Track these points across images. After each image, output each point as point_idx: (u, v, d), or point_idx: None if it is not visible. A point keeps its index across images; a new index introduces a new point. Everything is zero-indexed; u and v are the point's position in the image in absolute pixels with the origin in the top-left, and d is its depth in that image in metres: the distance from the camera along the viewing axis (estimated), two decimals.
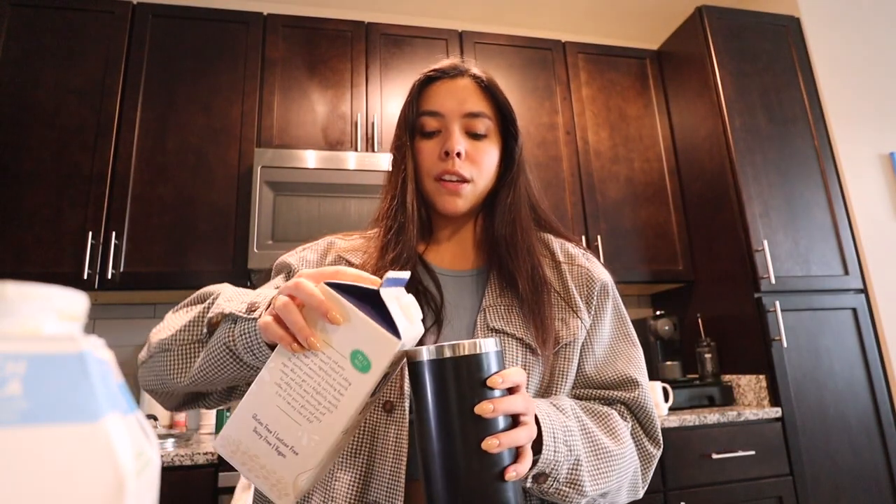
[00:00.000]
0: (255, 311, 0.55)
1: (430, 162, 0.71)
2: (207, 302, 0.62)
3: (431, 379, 0.45)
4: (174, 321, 0.64)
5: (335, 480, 0.61)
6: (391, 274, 0.46)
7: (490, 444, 0.43)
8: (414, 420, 0.47)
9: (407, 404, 0.62)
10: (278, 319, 0.46)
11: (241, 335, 0.54)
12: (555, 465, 0.56)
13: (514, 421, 0.47)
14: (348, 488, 0.60)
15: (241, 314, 0.55)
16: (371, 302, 0.45)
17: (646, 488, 0.69)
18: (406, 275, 0.49)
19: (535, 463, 0.55)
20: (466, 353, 0.45)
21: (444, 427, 0.44)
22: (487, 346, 0.46)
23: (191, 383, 0.60)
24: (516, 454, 0.46)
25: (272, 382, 0.45)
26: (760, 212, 2.09)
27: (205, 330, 0.60)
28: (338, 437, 0.44)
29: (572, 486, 0.58)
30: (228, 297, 0.60)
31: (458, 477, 0.43)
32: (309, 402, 0.44)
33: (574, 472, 0.58)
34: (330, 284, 0.45)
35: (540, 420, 0.55)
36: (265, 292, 0.58)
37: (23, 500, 0.16)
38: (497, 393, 0.46)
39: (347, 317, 0.44)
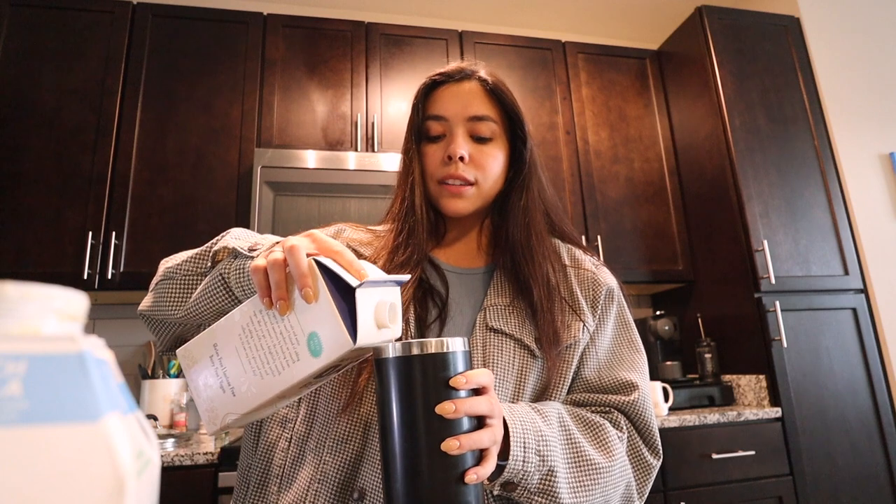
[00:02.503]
0: (255, 251, 0.57)
1: (434, 166, 0.71)
2: (217, 238, 0.65)
3: (396, 377, 0.44)
4: (184, 253, 0.66)
5: (324, 464, 0.61)
6: (375, 275, 0.46)
7: (450, 445, 0.43)
8: (377, 417, 0.47)
9: None
10: (266, 270, 0.48)
11: (235, 269, 0.57)
12: (523, 474, 0.55)
13: (480, 423, 0.46)
14: (337, 472, 0.60)
15: (242, 251, 0.58)
16: (351, 294, 0.45)
17: (643, 501, 0.67)
18: (403, 278, 0.49)
19: (502, 470, 0.54)
20: (432, 351, 0.44)
21: (407, 426, 0.44)
22: (455, 345, 0.45)
23: (184, 316, 0.62)
24: (480, 456, 0.46)
25: (239, 325, 0.49)
26: (760, 212, 2.09)
27: (209, 263, 0.62)
28: (272, 399, 0.47)
29: (545, 496, 0.57)
30: (237, 236, 0.64)
31: (418, 477, 0.43)
32: (260, 357, 0.47)
33: (547, 482, 0.57)
34: (320, 264, 0.46)
35: (510, 427, 0.54)
36: (272, 238, 0.60)
37: (23, 500, 0.16)
38: (462, 394, 0.45)
39: (318, 299, 0.45)
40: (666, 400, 1.94)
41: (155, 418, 1.92)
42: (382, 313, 0.46)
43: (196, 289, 0.62)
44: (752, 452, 1.81)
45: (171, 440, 1.73)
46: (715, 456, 1.78)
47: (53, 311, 0.19)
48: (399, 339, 0.48)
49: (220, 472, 1.50)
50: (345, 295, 0.45)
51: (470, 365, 0.47)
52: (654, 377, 2.21)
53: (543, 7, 2.79)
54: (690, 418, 1.80)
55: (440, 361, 0.44)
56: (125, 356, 2.11)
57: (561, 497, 0.57)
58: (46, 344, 0.18)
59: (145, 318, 0.68)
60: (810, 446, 1.88)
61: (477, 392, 0.47)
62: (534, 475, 0.56)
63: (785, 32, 2.38)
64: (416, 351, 0.44)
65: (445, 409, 0.43)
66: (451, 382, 0.44)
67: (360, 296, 0.44)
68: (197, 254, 0.64)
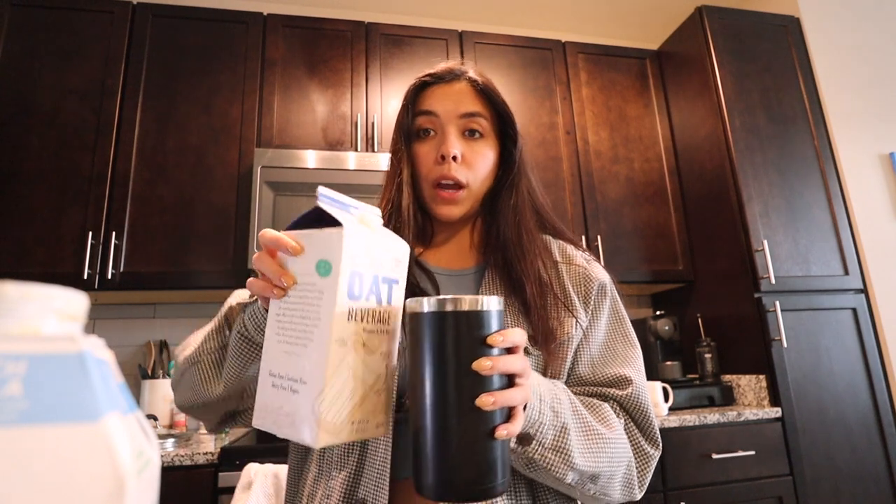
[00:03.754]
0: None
1: (427, 167, 0.71)
2: (221, 310, 0.65)
3: (430, 332, 0.44)
4: (197, 336, 0.66)
5: (331, 479, 0.62)
6: (325, 190, 0.46)
7: (485, 400, 0.43)
8: (408, 374, 0.47)
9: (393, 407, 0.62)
10: (260, 276, 0.49)
11: (249, 317, 0.57)
12: (539, 426, 0.56)
13: (510, 381, 0.47)
14: (342, 486, 0.61)
15: (247, 301, 0.59)
16: (325, 223, 0.46)
17: (643, 491, 0.67)
18: (347, 199, 0.48)
19: None
20: (468, 308, 0.44)
21: (440, 381, 0.44)
22: (490, 304, 0.46)
23: (225, 388, 0.62)
24: (508, 415, 0.46)
25: (273, 335, 0.48)
26: (760, 212, 2.09)
27: (227, 332, 0.62)
28: (333, 349, 0.43)
29: (559, 453, 0.57)
30: (238, 295, 0.64)
31: (449, 432, 0.43)
32: (299, 329, 0.46)
33: (561, 438, 0.57)
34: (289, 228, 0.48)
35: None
36: None
37: (23, 500, 0.16)
38: (495, 351, 0.45)
39: (302, 241, 0.46)
40: (666, 400, 1.94)
41: (155, 418, 1.92)
42: (357, 214, 0.47)
43: (225, 361, 0.62)
44: (752, 452, 1.81)
45: (171, 440, 1.73)
46: (715, 456, 1.78)
47: (53, 311, 0.19)
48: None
49: (220, 472, 1.50)
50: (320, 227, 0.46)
51: (503, 324, 0.47)
52: (654, 377, 2.21)
53: (543, 7, 2.79)
54: (690, 418, 1.80)
55: (476, 319, 0.45)
56: (125, 356, 2.11)
57: (573, 456, 0.58)
58: (46, 344, 0.18)
59: (188, 411, 0.67)
60: (810, 446, 1.88)
61: (508, 351, 0.47)
62: (549, 429, 0.57)
63: (785, 32, 2.38)
64: (450, 307, 0.44)
65: (483, 365, 0.43)
66: (489, 340, 0.45)
67: (323, 203, 0.45)
68: (212, 330, 0.64)
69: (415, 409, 0.45)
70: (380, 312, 0.47)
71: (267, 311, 0.53)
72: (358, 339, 0.45)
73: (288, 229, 0.48)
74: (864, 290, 2.11)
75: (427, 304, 0.45)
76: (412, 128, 0.73)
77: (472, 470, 0.43)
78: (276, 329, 0.47)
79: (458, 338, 0.44)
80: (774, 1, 2.55)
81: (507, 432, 0.44)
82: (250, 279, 0.50)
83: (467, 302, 0.45)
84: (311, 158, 1.98)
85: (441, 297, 0.45)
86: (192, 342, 0.66)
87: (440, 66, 0.75)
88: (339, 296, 0.43)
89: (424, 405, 0.44)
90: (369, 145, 2.14)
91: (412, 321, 0.46)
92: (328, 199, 0.46)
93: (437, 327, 0.44)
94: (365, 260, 0.45)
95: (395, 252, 0.48)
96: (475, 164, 0.70)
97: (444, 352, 0.44)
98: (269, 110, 2.10)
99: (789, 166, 2.19)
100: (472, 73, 0.73)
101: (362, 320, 0.45)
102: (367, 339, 0.46)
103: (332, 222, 0.45)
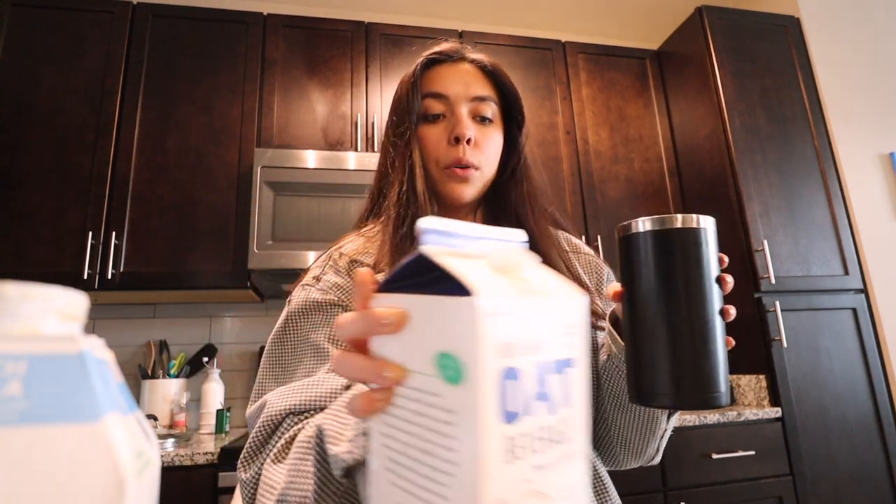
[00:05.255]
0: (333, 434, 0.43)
1: (439, 150, 0.67)
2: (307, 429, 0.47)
3: (690, 246, 0.46)
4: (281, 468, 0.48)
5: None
6: (428, 223, 0.27)
7: (730, 311, 0.47)
8: (633, 291, 0.47)
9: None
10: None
11: (334, 463, 0.42)
12: None
13: None
14: None
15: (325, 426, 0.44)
16: (436, 282, 0.26)
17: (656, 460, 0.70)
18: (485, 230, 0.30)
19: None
20: (705, 226, 0.47)
21: (682, 294, 0.46)
22: (711, 222, 0.48)
23: None
24: None
25: (381, 469, 0.29)
26: (760, 211, 2.09)
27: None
28: None
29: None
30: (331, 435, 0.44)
31: (686, 340, 0.45)
32: (421, 473, 0.26)
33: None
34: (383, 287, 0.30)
35: None
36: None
37: (23, 500, 0.16)
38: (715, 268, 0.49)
39: (404, 311, 0.27)
40: None
41: (155, 418, 1.92)
42: (491, 258, 0.28)
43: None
44: (752, 452, 1.81)
45: (171, 440, 1.73)
46: (715, 456, 1.78)
47: (53, 311, 0.19)
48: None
49: (219, 472, 1.50)
50: (433, 287, 0.26)
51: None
52: None
53: (543, 7, 2.79)
54: (690, 418, 1.80)
55: (715, 235, 0.48)
56: (125, 356, 2.11)
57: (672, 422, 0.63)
58: (46, 344, 0.18)
59: None
60: (810, 446, 1.88)
61: None
62: None
63: (785, 32, 2.38)
64: (700, 224, 0.47)
65: (727, 278, 0.47)
66: (722, 256, 0.48)
67: (428, 243, 0.27)
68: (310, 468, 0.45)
69: (644, 322, 0.47)
70: (551, 429, 0.26)
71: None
72: (530, 489, 0.25)
73: (381, 290, 0.30)
74: (864, 290, 2.11)
75: (680, 220, 0.46)
76: (420, 108, 0.69)
77: (705, 377, 0.45)
78: (386, 460, 0.29)
79: (711, 250, 0.47)
80: (774, 1, 2.55)
81: (733, 341, 0.47)
82: (353, 395, 0.31)
83: (700, 220, 0.47)
84: (311, 158, 1.98)
85: (668, 215, 0.47)
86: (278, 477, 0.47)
87: (446, 44, 0.72)
88: (484, 425, 0.24)
89: (660, 317, 0.46)
90: (369, 145, 2.14)
91: (666, 236, 0.47)
92: (435, 234, 0.27)
93: (696, 241, 0.47)
94: (521, 343, 0.25)
95: (564, 313, 0.28)
96: (486, 149, 0.68)
97: (703, 264, 0.46)
98: (269, 110, 2.10)
99: (789, 166, 2.19)
100: (478, 55, 0.72)
101: (534, 451, 0.25)
102: (542, 482, 0.26)
103: (447, 282, 0.25)
